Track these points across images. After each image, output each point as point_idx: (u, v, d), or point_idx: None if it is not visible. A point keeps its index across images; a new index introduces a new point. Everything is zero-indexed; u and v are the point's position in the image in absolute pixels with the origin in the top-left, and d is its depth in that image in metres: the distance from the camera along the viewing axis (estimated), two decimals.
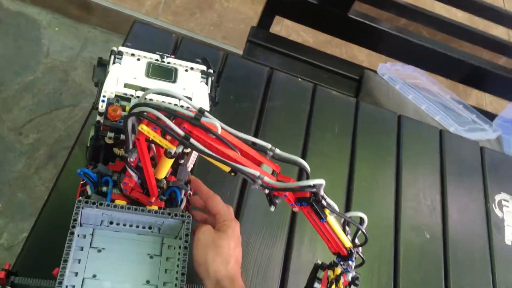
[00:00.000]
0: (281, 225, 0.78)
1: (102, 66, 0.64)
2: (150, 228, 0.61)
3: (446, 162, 0.97)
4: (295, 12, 1.40)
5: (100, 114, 0.58)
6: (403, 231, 0.84)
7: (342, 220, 0.55)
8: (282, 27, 1.93)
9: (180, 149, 0.50)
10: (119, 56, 0.62)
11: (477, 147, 1.02)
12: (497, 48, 1.46)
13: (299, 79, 0.98)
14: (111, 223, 0.60)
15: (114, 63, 0.62)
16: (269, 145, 0.52)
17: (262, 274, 0.73)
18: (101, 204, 0.56)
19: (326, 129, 0.92)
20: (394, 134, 0.97)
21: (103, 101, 0.58)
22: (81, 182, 0.62)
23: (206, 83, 0.64)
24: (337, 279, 0.58)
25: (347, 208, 0.83)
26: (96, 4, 1.74)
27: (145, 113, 0.49)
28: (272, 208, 0.52)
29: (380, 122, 0.99)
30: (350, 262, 0.57)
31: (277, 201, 0.52)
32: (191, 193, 0.67)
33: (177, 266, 0.58)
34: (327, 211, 0.51)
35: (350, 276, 0.58)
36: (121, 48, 0.63)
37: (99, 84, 0.62)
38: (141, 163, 0.56)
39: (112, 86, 0.59)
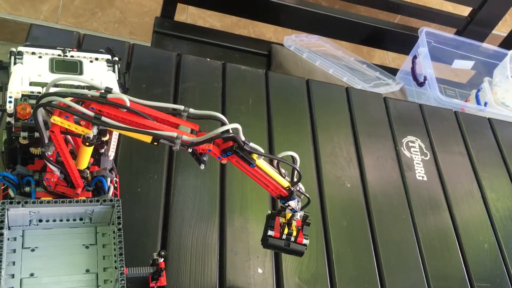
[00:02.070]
0: (212, 202, 0.81)
1: (3, 69, 0.63)
2: (81, 219, 0.62)
3: (355, 116, 1.04)
4: None
5: (10, 115, 0.58)
6: (325, 184, 0.91)
7: (276, 162, 0.58)
8: (187, 15, 1.94)
9: (95, 130, 0.51)
10: (20, 56, 0.62)
11: (381, 98, 1.11)
12: (390, 8, 1.56)
13: (208, 59, 1.01)
14: (40, 221, 0.60)
15: (15, 63, 0.62)
16: (182, 107, 0.54)
17: (200, 250, 0.76)
18: (26, 202, 0.56)
19: (241, 102, 0.96)
20: (305, 98, 1.03)
21: (10, 102, 0.58)
22: (2, 188, 0.62)
23: (113, 71, 0.66)
24: (288, 222, 0.63)
25: None
26: None
27: (53, 102, 0.50)
28: (202, 166, 0.55)
29: (291, 89, 1.04)
30: (293, 202, 0.60)
31: (204, 158, 0.55)
32: (117, 179, 0.68)
33: (114, 250, 0.60)
34: (254, 156, 0.55)
35: (298, 215, 0.62)
36: (20, 48, 0.63)
37: (3, 88, 0.61)
38: (61, 156, 0.57)
39: (17, 86, 0.59)
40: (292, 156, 0.58)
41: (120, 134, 0.67)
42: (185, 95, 0.93)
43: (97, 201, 0.59)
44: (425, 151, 1.05)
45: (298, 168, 0.57)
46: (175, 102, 0.91)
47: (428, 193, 0.98)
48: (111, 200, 0.60)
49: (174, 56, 0.98)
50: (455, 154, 1.08)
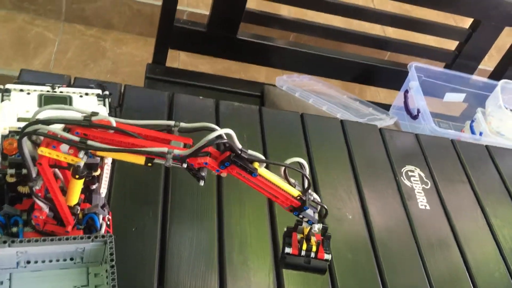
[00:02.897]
0: (210, 240, 0.78)
1: None
2: (72, 259, 0.59)
3: (352, 148, 1.02)
4: (186, 42, 1.44)
5: None
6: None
7: (283, 171, 0.55)
8: (179, 63, 1.96)
9: (82, 155, 0.49)
10: (7, 94, 0.61)
11: (376, 130, 1.10)
12: (378, 45, 1.59)
13: (201, 97, 1.00)
14: (28, 262, 0.57)
15: (2, 100, 0.60)
16: (172, 122, 0.52)
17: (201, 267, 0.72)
18: (13, 242, 0.54)
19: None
20: (300, 131, 1.02)
21: None
22: None
23: (104, 105, 0.65)
24: (307, 237, 0.58)
25: (270, 205, 0.85)
26: None
27: (39, 131, 0.48)
28: (201, 183, 0.52)
29: (285, 123, 1.03)
30: (309, 212, 0.56)
31: (202, 174, 0.52)
32: (110, 217, 0.65)
33: None
34: (256, 164, 0.52)
35: (316, 227, 0.58)
36: (8, 86, 0.62)
37: None
38: (49, 191, 0.54)
39: (4, 122, 0.57)
40: (299, 163, 0.55)
41: (112, 169, 0.65)
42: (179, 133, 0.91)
43: (88, 237, 0.57)
44: (425, 179, 1.03)
45: (307, 175, 0.54)
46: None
47: (432, 223, 0.95)
48: (103, 237, 0.57)
49: (166, 96, 0.98)
50: (456, 182, 1.06)
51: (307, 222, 0.58)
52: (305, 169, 0.55)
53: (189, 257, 0.75)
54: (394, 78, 1.62)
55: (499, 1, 1.47)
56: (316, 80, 1.59)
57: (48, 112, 0.51)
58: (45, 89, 0.63)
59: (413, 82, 1.49)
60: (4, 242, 0.53)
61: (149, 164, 0.51)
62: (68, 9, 1.91)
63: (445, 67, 1.64)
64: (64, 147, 0.50)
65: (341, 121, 1.09)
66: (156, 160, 0.50)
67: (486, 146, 1.18)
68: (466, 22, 1.62)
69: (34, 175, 0.53)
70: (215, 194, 0.84)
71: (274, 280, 0.73)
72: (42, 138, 0.52)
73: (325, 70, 1.59)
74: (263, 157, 0.53)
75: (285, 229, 0.60)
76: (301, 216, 0.58)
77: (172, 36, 1.40)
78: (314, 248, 0.60)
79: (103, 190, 0.66)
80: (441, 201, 1.00)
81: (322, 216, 0.58)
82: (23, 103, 0.60)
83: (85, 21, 1.95)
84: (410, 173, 1.03)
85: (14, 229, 0.58)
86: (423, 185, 1.02)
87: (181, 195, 0.83)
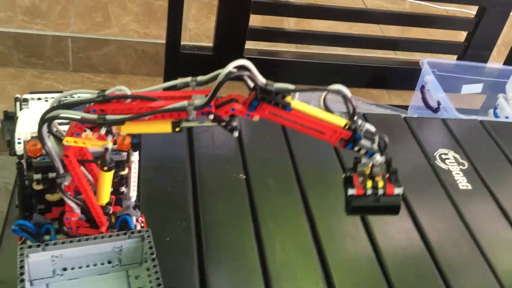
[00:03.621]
0: (246, 242, 0.74)
1: (9, 119, 0.60)
2: (109, 262, 0.55)
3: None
4: (194, 67, 1.44)
5: (20, 157, 0.54)
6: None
7: (322, 102, 0.49)
8: None
9: (103, 130, 0.47)
10: (25, 103, 0.60)
11: (400, 119, 1.07)
12: (387, 45, 1.58)
13: None
14: (65, 269, 0.54)
15: (21, 109, 0.59)
16: (189, 78, 0.49)
17: None
18: (47, 245, 0.50)
19: (258, 139, 0.93)
20: None
21: (19, 143, 0.54)
22: (19, 242, 0.56)
23: None
24: (370, 174, 0.51)
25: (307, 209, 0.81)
26: None
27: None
28: (235, 134, 0.48)
29: None
30: (365, 141, 0.49)
31: (234, 124, 0.48)
32: (143, 219, 0.62)
33: None
34: (288, 98, 0.48)
35: (378, 157, 0.50)
36: (26, 96, 0.61)
37: (11, 135, 0.58)
38: (78, 187, 0.52)
39: (25, 128, 0.55)
40: (339, 90, 0.48)
41: (139, 171, 0.62)
42: (200, 142, 0.89)
43: (125, 234, 0.53)
44: (461, 161, 0.98)
45: (351, 99, 0.47)
46: (190, 145, 0.87)
47: (475, 203, 0.90)
48: (139, 232, 0.54)
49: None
50: (493, 160, 1.01)
51: (365, 154, 0.50)
52: (346, 96, 0.48)
53: (230, 267, 0.70)
54: (407, 77, 1.59)
55: None
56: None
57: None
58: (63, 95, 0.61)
59: (428, 77, 1.46)
60: (38, 245, 0.50)
61: (177, 129, 0.48)
62: (75, 60, 1.93)
63: (457, 59, 1.62)
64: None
65: (363, 114, 1.06)
66: (184, 124, 0.47)
67: None
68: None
69: (61, 170, 0.50)
70: (247, 199, 0.81)
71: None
72: (63, 130, 0.50)
73: (335, 78, 1.57)
74: (292, 86, 0.47)
75: (344, 176, 0.53)
76: (356, 148, 0.50)
77: (179, 64, 1.40)
78: (380, 184, 0.51)
79: (133, 193, 0.63)
80: (482, 180, 0.95)
81: (382, 148, 0.50)
82: (42, 110, 0.58)
83: (92, 68, 1.97)
84: (443, 156, 0.99)
85: (46, 237, 0.55)
86: (460, 166, 0.97)
87: (211, 202, 0.79)
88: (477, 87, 1.63)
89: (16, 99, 0.59)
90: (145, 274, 0.55)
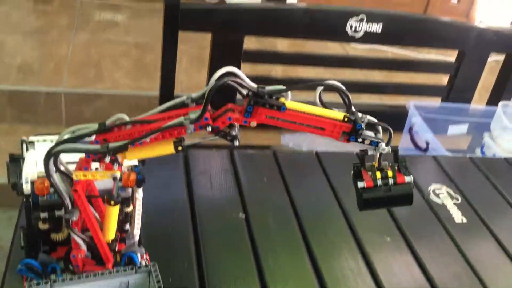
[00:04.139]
0: (249, 281, 0.74)
1: (15, 161, 0.61)
2: None
3: None
4: None
5: (27, 196, 0.55)
6: (363, 237, 0.85)
7: (318, 99, 0.49)
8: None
9: (107, 159, 0.48)
10: (31, 144, 0.61)
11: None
12: (373, 90, 1.63)
13: (214, 149, 1.00)
14: None
15: (27, 151, 0.60)
16: (184, 97, 0.51)
17: None
18: (55, 282, 0.50)
19: (256, 181, 0.94)
20: (319, 168, 1.01)
21: (26, 182, 0.55)
22: (25, 283, 0.56)
23: None
24: (379, 168, 0.50)
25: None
26: None
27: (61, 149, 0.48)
28: (236, 143, 0.49)
29: (302, 163, 1.02)
30: (366, 132, 0.49)
31: (233, 133, 0.49)
32: (147, 256, 0.62)
33: None
34: (282, 99, 0.48)
35: (383, 146, 0.49)
36: (31, 138, 0.62)
37: (17, 185, 0.59)
38: (86, 222, 0.52)
39: (32, 168, 0.56)
40: (333, 85, 0.48)
41: (143, 208, 0.63)
42: (198, 184, 0.90)
43: (132, 268, 0.53)
44: (454, 195, 1.00)
45: (346, 91, 0.48)
46: (190, 194, 0.88)
47: (472, 237, 0.91)
48: (146, 266, 0.54)
49: (180, 153, 0.98)
50: (485, 194, 1.03)
51: (370, 144, 0.51)
52: (341, 88, 0.48)
53: None
54: (394, 120, 1.62)
55: (479, 30, 1.54)
56: (316, 136, 1.61)
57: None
58: None
59: (415, 118, 1.51)
60: (46, 282, 0.50)
61: (180, 148, 0.49)
62: (68, 114, 1.96)
63: (442, 102, 1.67)
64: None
65: (357, 153, 1.08)
66: (187, 142, 0.49)
67: (505, 158, 1.17)
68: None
69: (69, 206, 0.51)
70: (247, 238, 0.81)
71: None
72: (72, 170, 0.51)
73: None
74: (283, 87, 0.47)
75: (352, 171, 0.52)
76: (360, 140, 0.50)
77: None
78: (390, 174, 0.51)
79: (137, 232, 0.63)
80: (476, 214, 0.97)
81: (389, 138, 0.51)
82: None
83: (85, 122, 1.99)
84: (437, 191, 1.01)
85: (53, 277, 0.55)
86: (454, 200, 0.99)
87: (212, 242, 0.80)
88: (463, 128, 1.68)
89: (23, 141, 0.61)
90: None
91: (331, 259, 0.80)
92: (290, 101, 0.48)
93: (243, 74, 0.48)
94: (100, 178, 0.49)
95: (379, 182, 0.51)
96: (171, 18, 1.30)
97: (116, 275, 0.53)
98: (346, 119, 0.49)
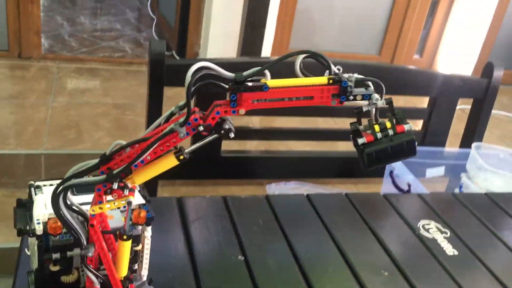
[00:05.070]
0: None
1: (23, 206, 0.61)
2: None
3: (364, 216, 1.03)
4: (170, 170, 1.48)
5: (39, 237, 0.55)
6: (362, 273, 0.86)
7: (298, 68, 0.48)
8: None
9: (125, 191, 0.49)
10: (39, 189, 0.61)
11: (381, 196, 1.13)
12: (339, 136, 1.68)
13: (208, 196, 1.01)
14: None
15: (36, 194, 0.60)
16: (172, 109, 0.52)
17: None
18: None
19: (252, 224, 0.95)
20: (311, 210, 1.03)
21: (38, 223, 0.55)
22: None
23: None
24: (376, 120, 0.49)
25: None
26: None
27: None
28: (231, 135, 0.49)
29: (294, 205, 1.04)
30: (356, 89, 0.48)
31: (226, 126, 0.50)
32: None
33: None
34: (263, 80, 0.48)
35: (377, 97, 0.48)
36: (38, 183, 0.63)
37: (22, 230, 0.59)
38: (101, 257, 0.52)
39: (42, 210, 0.57)
40: (308, 50, 0.48)
41: (150, 248, 0.64)
42: (195, 230, 0.91)
43: None
44: (443, 229, 1.03)
45: (322, 54, 0.47)
46: (187, 239, 0.88)
47: (465, 268, 0.94)
48: None
49: (174, 201, 0.99)
50: (471, 227, 1.07)
51: (363, 99, 0.50)
52: (316, 53, 0.48)
53: None
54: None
55: (446, 77, 1.63)
56: (301, 184, 1.64)
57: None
58: None
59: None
60: None
61: (182, 157, 0.50)
62: (47, 176, 1.93)
63: (418, 146, 1.74)
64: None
65: (346, 194, 1.11)
66: (187, 150, 0.50)
67: (486, 194, 1.22)
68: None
69: (85, 242, 0.51)
70: (248, 279, 0.82)
71: None
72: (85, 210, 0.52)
73: (306, 171, 1.65)
74: (257, 68, 0.47)
75: (351, 132, 0.51)
76: (351, 98, 0.49)
77: None
78: (389, 125, 0.49)
79: (145, 272, 0.63)
80: (466, 246, 0.99)
81: (381, 92, 0.49)
82: None
83: None
84: (426, 226, 1.04)
85: None
86: (444, 234, 1.02)
87: (213, 284, 0.80)
88: (440, 170, 1.74)
89: (31, 186, 0.61)
90: None
91: None
92: (271, 80, 0.48)
93: (217, 66, 0.48)
94: (115, 206, 0.50)
95: (379, 135, 0.50)
96: (156, 74, 1.34)
97: None
98: (330, 81, 0.48)
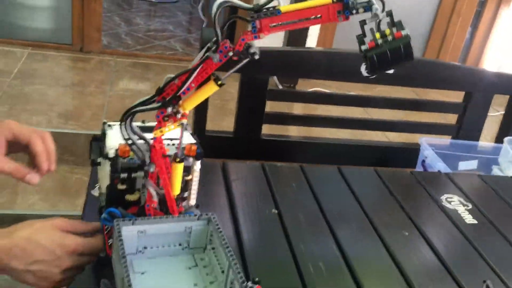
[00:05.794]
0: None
1: (97, 140, 0.75)
2: (180, 245, 0.66)
3: (391, 188, 1.12)
4: (217, 147, 1.60)
5: (110, 159, 0.68)
6: (383, 231, 0.95)
7: None
8: None
9: (178, 115, 0.61)
10: (110, 127, 0.75)
11: (407, 173, 1.21)
12: (385, 128, 1.76)
13: (247, 162, 1.13)
14: (145, 248, 0.65)
15: (108, 130, 0.74)
16: (208, 44, 0.60)
17: None
18: (136, 219, 0.62)
19: (285, 186, 1.06)
20: (343, 182, 1.13)
21: (111, 149, 0.68)
22: (105, 232, 0.68)
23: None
24: (378, 30, 0.55)
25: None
26: (30, 217, 1.79)
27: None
28: (256, 56, 0.58)
29: (325, 175, 1.15)
30: (351, 4, 0.55)
31: (251, 50, 0.58)
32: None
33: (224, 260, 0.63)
34: (277, 6, 0.56)
35: (376, 8, 0.54)
36: (110, 122, 0.76)
37: (95, 163, 0.72)
38: (160, 174, 0.65)
39: (114, 140, 0.70)
40: None
41: (201, 179, 0.75)
42: (236, 188, 1.02)
43: (195, 215, 0.65)
44: (465, 203, 1.11)
45: None
46: (229, 195, 1.00)
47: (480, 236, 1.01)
48: (206, 214, 0.66)
49: (219, 164, 1.11)
50: (494, 201, 1.14)
51: (364, 10, 0.56)
52: None
53: None
54: (407, 156, 1.76)
55: (484, 73, 1.70)
56: None
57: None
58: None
59: (427, 151, 1.63)
60: (129, 220, 0.62)
61: (219, 83, 0.59)
62: None
63: (452, 139, 1.80)
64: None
65: (375, 169, 1.20)
66: (223, 77, 0.59)
67: (511, 177, 1.28)
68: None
69: (147, 160, 0.64)
70: (282, 231, 0.92)
71: None
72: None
73: (342, 158, 1.73)
74: None
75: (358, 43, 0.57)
76: (355, 11, 0.55)
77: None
78: (388, 32, 0.56)
79: (193, 201, 0.75)
80: (485, 217, 1.07)
81: (382, 4, 0.56)
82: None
83: None
84: (449, 199, 1.11)
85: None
86: (465, 207, 1.09)
87: (250, 233, 0.91)
88: (473, 164, 1.79)
89: (104, 123, 0.75)
90: (208, 257, 0.66)
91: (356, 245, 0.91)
92: (283, 5, 0.57)
93: (237, 1, 0.57)
94: (172, 129, 0.62)
95: (379, 41, 0.56)
96: None
97: (182, 220, 0.64)
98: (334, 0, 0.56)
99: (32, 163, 0.76)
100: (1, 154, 0.74)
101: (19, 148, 0.77)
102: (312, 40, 2.78)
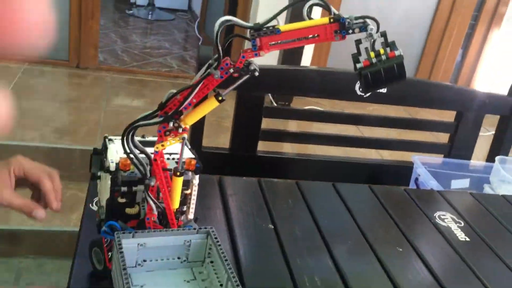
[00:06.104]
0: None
1: (97, 154, 0.76)
2: (178, 258, 0.67)
3: (385, 205, 1.14)
4: (211, 164, 1.62)
5: (111, 172, 0.69)
6: (378, 248, 0.96)
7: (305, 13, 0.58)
8: None
9: (179, 130, 0.63)
10: (111, 141, 0.76)
11: (401, 191, 1.23)
12: (379, 146, 1.79)
13: (244, 178, 1.15)
14: (144, 261, 0.65)
15: (109, 144, 0.75)
16: (210, 60, 0.63)
17: None
18: (136, 232, 0.63)
19: (281, 202, 1.07)
20: (337, 197, 1.14)
21: (112, 162, 0.70)
22: (105, 245, 0.69)
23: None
24: (372, 47, 0.57)
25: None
26: (25, 232, 1.79)
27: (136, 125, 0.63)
28: (256, 73, 0.60)
29: (321, 191, 1.16)
30: (352, 23, 0.57)
31: (252, 68, 0.60)
32: None
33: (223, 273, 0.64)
34: (276, 26, 0.58)
35: (370, 28, 0.56)
36: (111, 137, 0.77)
37: (95, 176, 0.74)
38: (160, 188, 0.66)
39: (115, 154, 0.71)
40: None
41: (198, 194, 0.77)
42: (232, 204, 1.04)
43: (194, 229, 0.66)
44: (457, 220, 1.12)
45: (325, 1, 0.56)
46: (225, 209, 1.01)
47: (473, 253, 1.02)
48: (205, 228, 0.67)
49: (215, 178, 1.12)
50: (485, 220, 1.15)
51: (360, 30, 0.59)
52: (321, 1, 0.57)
53: None
54: (400, 174, 1.78)
55: (475, 93, 1.73)
56: None
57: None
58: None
59: (420, 169, 1.65)
60: (129, 233, 0.63)
61: (220, 98, 0.61)
62: None
63: (444, 158, 1.82)
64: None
65: (369, 186, 1.22)
66: (224, 93, 0.61)
67: (503, 195, 1.30)
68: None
69: (148, 173, 0.65)
70: (278, 246, 0.93)
71: None
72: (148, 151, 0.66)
73: (336, 175, 1.75)
74: (271, 16, 0.58)
75: (354, 65, 0.60)
76: (351, 31, 0.58)
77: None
78: (382, 51, 0.58)
79: (191, 215, 0.76)
80: (477, 234, 1.08)
81: (377, 26, 0.58)
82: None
83: None
84: (442, 216, 1.13)
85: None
86: (458, 224, 1.11)
87: (246, 247, 0.92)
88: (465, 182, 1.81)
89: (105, 138, 0.76)
90: (207, 270, 0.67)
91: (351, 260, 0.92)
92: (282, 25, 0.59)
93: (239, 20, 0.60)
94: (173, 143, 0.64)
95: (374, 60, 0.59)
96: None
97: (181, 233, 0.65)
98: (331, 20, 0.58)
99: (36, 197, 0.81)
100: (11, 189, 0.78)
101: (27, 185, 0.82)
102: (306, 59, 2.83)
